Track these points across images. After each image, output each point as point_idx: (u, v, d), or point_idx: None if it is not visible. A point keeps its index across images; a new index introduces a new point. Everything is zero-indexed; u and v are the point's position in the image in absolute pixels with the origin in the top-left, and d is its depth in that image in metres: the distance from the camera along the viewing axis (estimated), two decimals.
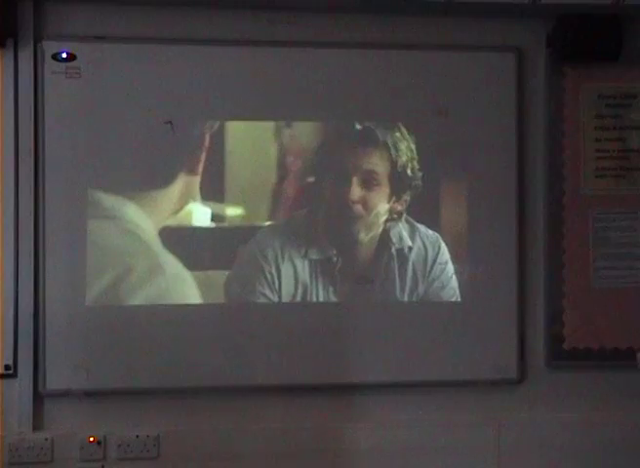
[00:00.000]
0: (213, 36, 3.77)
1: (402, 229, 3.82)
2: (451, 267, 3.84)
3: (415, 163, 3.80)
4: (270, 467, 3.80)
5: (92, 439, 3.69)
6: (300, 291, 3.77)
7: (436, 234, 3.84)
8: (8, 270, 3.64)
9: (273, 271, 3.76)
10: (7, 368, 3.64)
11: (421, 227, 3.84)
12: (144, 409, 3.75)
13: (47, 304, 3.66)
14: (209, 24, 3.77)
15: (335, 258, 3.79)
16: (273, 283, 3.76)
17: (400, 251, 3.84)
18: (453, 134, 3.87)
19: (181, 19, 3.75)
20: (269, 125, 3.81)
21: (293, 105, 3.81)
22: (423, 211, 3.84)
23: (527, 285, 3.93)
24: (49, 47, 3.66)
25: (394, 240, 3.83)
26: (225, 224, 3.77)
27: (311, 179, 3.80)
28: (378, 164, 3.79)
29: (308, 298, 3.77)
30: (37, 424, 3.69)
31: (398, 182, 3.81)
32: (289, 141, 3.81)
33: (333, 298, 3.79)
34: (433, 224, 3.85)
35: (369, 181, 3.80)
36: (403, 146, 3.80)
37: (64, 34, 3.69)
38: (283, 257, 3.76)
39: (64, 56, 3.66)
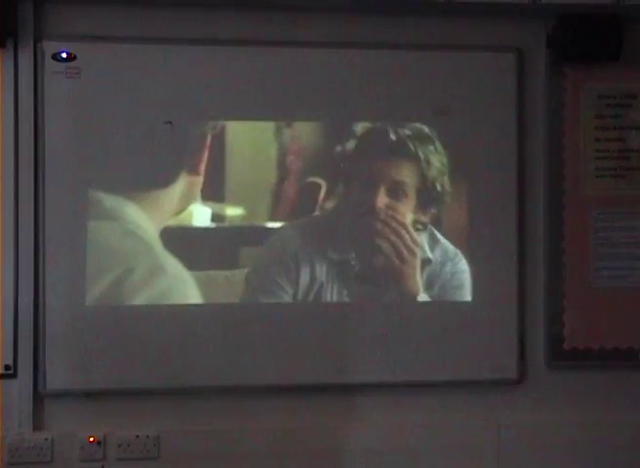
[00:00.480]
0: (213, 36, 3.77)
1: (424, 240, 3.82)
2: (466, 278, 3.84)
3: (445, 178, 3.80)
4: (270, 467, 3.80)
5: (92, 439, 3.69)
6: (315, 287, 3.77)
7: (457, 250, 3.84)
8: (8, 270, 3.64)
9: (292, 266, 3.76)
10: (7, 368, 3.64)
11: (444, 240, 3.84)
12: (144, 409, 3.75)
13: (47, 304, 3.66)
14: (209, 24, 3.77)
15: (352, 262, 3.79)
16: (292, 277, 3.76)
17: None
18: (452, 134, 3.87)
19: (181, 19, 3.75)
20: (269, 125, 3.81)
21: (293, 105, 3.81)
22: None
23: (527, 285, 3.93)
24: (49, 47, 3.66)
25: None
26: (226, 224, 3.77)
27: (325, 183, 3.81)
28: (408, 176, 3.80)
29: (323, 297, 3.77)
30: (37, 424, 3.69)
31: (426, 195, 3.81)
32: (289, 142, 3.81)
33: (346, 299, 3.79)
34: (434, 224, 3.85)
35: (396, 191, 3.80)
36: (435, 160, 3.80)
37: (64, 34, 3.69)
38: (304, 254, 3.76)
39: (64, 56, 3.66)
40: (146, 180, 3.70)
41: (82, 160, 3.68)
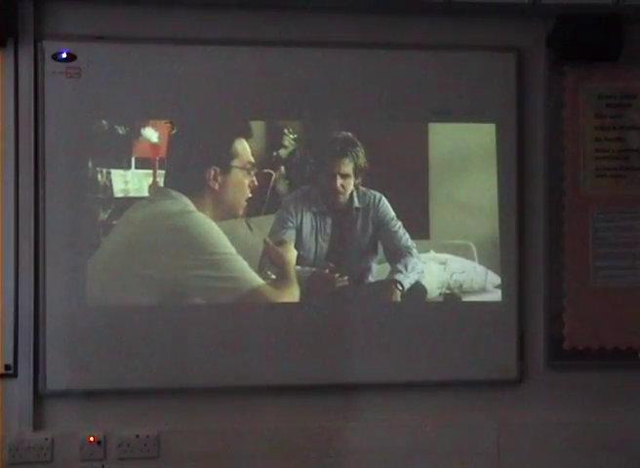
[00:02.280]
0: (213, 36, 3.77)
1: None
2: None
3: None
4: (270, 467, 3.80)
5: (92, 439, 3.69)
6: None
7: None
8: (8, 270, 3.64)
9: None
10: (7, 368, 3.64)
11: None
12: (144, 409, 3.75)
13: (47, 304, 3.66)
14: (209, 24, 3.78)
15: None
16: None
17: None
18: (453, 133, 3.89)
19: (181, 19, 3.75)
20: (267, 124, 3.82)
21: (292, 105, 3.82)
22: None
23: (527, 285, 3.93)
24: (49, 47, 3.66)
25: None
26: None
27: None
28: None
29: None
30: (37, 424, 3.69)
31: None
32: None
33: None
34: (436, 227, 3.87)
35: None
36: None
37: (64, 34, 3.69)
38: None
39: (64, 56, 3.66)
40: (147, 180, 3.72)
41: (82, 159, 3.69)
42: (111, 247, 3.70)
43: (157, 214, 3.74)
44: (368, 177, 3.85)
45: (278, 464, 3.79)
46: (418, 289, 3.86)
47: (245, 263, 3.75)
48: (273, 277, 3.78)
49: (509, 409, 3.92)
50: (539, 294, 3.93)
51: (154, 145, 3.73)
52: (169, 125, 3.73)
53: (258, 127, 3.81)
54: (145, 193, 3.72)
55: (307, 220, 3.82)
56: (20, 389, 3.66)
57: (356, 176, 3.84)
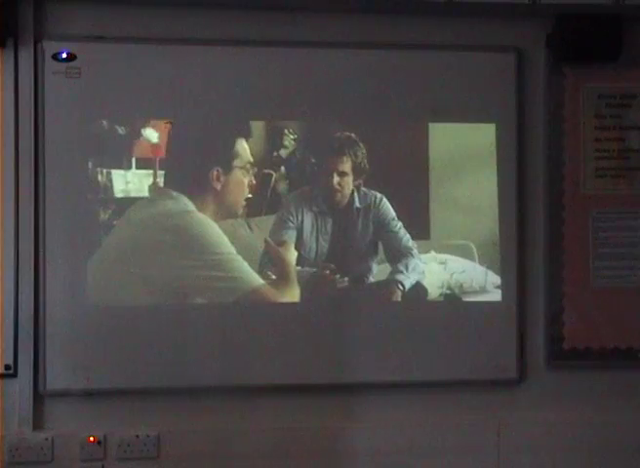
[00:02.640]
0: (213, 36, 3.77)
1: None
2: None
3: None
4: (270, 467, 3.80)
5: (92, 439, 3.69)
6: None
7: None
8: (8, 270, 3.64)
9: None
10: (7, 367, 3.64)
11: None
12: (144, 409, 3.75)
13: (47, 304, 3.66)
14: (209, 24, 3.78)
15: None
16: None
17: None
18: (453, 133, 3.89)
19: (181, 19, 3.75)
20: (267, 124, 3.82)
21: (292, 105, 3.82)
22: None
23: (527, 284, 3.93)
24: (49, 47, 3.66)
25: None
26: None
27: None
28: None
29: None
30: (37, 424, 3.69)
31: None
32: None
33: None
34: (436, 228, 3.87)
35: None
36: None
37: (64, 34, 3.69)
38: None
39: (64, 56, 3.66)
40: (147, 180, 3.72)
41: (82, 160, 3.68)
42: (111, 247, 3.70)
43: (158, 214, 3.74)
44: (368, 178, 3.85)
45: (278, 464, 3.79)
46: (418, 289, 3.86)
47: (245, 263, 3.75)
48: (273, 277, 3.79)
49: (509, 409, 3.92)
50: (539, 294, 3.94)
51: (154, 145, 3.73)
52: (169, 125, 3.74)
53: (258, 127, 3.81)
54: (146, 193, 3.73)
55: (308, 221, 3.82)
56: (20, 389, 3.66)
57: (356, 176, 3.84)
